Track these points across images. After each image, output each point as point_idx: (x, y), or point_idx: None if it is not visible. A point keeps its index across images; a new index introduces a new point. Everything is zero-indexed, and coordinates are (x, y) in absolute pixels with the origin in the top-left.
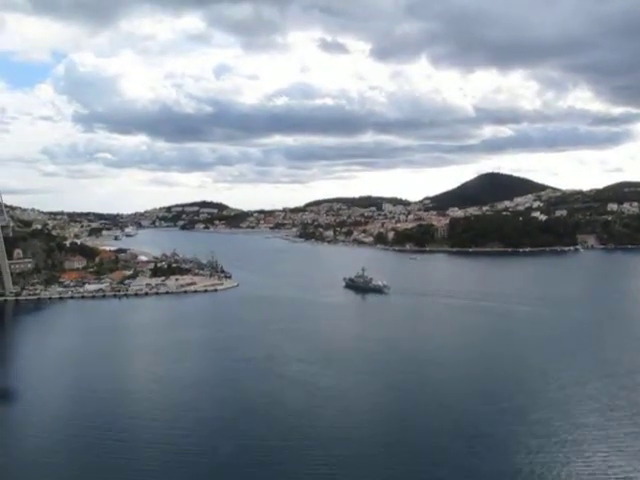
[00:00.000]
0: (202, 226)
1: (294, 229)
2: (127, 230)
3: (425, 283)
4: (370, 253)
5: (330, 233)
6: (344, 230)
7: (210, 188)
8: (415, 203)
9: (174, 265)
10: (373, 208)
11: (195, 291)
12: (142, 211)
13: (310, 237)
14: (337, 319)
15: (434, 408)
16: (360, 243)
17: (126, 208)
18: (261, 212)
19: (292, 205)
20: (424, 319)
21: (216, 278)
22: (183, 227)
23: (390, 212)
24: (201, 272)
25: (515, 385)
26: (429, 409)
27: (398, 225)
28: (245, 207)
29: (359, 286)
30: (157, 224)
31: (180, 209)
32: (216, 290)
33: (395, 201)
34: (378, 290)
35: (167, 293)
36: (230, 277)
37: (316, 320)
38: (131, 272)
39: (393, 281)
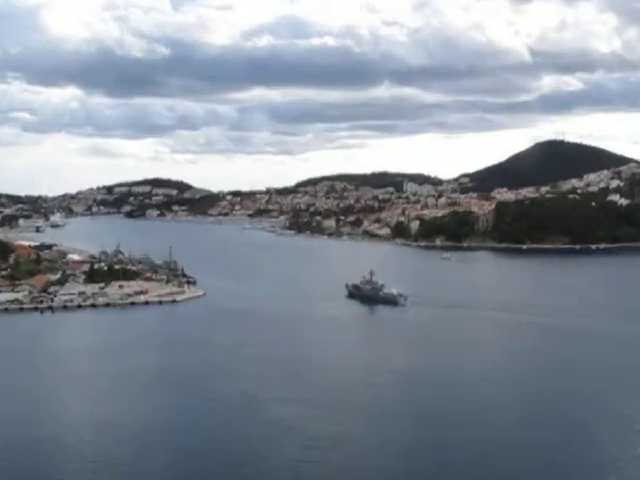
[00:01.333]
0: (156, 213)
1: (282, 217)
2: (53, 219)
3: (460, 291)
4: (386, 250)
5: (331, 223)
6: (351, 219)
7: (167, 161)
8: (448, 182)
9: (117, 267)
10: (391, 189)
11: (146, 302)
12: (73, 192)
13: (304, 228)
14: (336, 342)
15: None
16: (373, 237)
17: (51, 188)
18: (236, 194)
19: (279, 185)
20: (456, 342)
21: (175, 285)
22: (130, 214)
23: (414, 194)
24: (155, 277)
25: (598, 445)
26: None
27: (425, 212)
28: (215, 187)
29: (366, 295)
30: (94, 210)
31: (126, 190)
32: (175, 301)
33: (421, 179)
34: (391, 301)
35: (108, 305)
36: (194, 283)
37: (308, 343)
38: (58, 276)
39: (415, 289)
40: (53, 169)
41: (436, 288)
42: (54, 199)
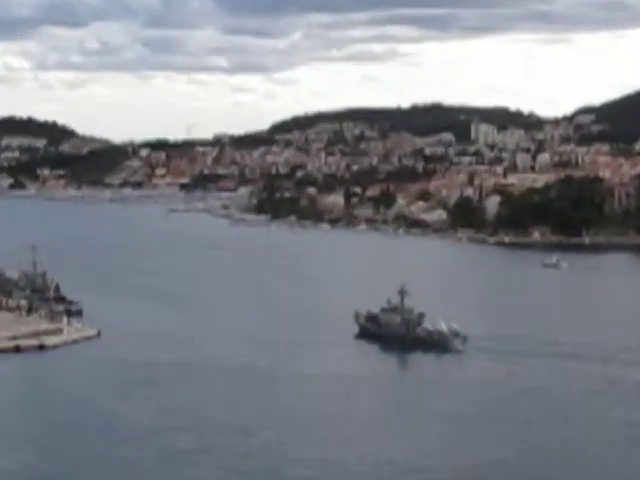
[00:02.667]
0: (7, 183)
1: (243, 190)
2: None
3: (578, 329)
4: (438, 252)
5: (337, 201)
6: (373, 193)
7: (26, 84)
8: (555, 123)
9: None
10: (447, 136)
11: None
12: None
13: (284, 211)
14: (343, 433)
15: None
16: (414, 226)
17: None
18: (159, 146)
19: (238, 129)
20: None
21: (44, 317)
22: None
23: (490, 146)
24: (4, 302)
25: None
26: None
27: (511, 181)
28: (118, 134)
29: (391, 332)
30: None
31: None
32: (42, 347)
33: (503, 117)
34: (437, 344)
35: None
36: (79, 313)
37: (292, 437)
38: None
39: (489, 322)
40: None
41: (529, 321)
42: None
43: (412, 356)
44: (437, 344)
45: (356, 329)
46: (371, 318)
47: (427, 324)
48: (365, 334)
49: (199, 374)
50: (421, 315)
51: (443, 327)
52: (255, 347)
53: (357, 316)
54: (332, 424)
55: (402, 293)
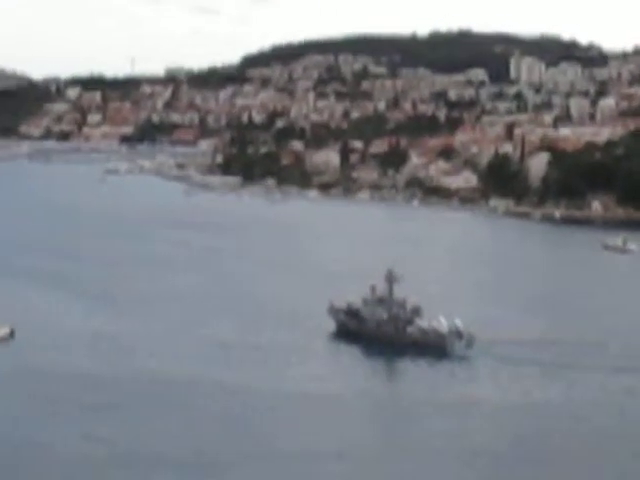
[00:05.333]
0: None
1: (204, 144)
2: None
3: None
4: (466, 229)
5: (330, 159)
6: (379, 149)
7: None
8: (622, 58)
9: None
10: (479, 73)
11: None
12: None
13: (258, 173)
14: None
15: None
16: (432, 195)
17: None
18: (93, 84)
19: (200, 62)
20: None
21: None
22: None
23: (536, 87)
24: None
25: None
26: None
27: (563, 133)
28: (36, 68)
29: (375, 331)
30: None
31: None
32: None
33: (552, 49)
34: (433, 345)
35: None
36: None
37: None
38: None
39: (513, 320)
40: None
41: (579, 321)
42: None
43: (401, 364)
44: (433, 347)
45: (333, 325)
46: (351, 312)
47: (422, 321)
48: (344, 332)
49: (141, 390)
50: (415, 309)
51: (442, 325)
52: (209, 354)
53: (333, 310)
54: (300, 463)
55: (390, 280)
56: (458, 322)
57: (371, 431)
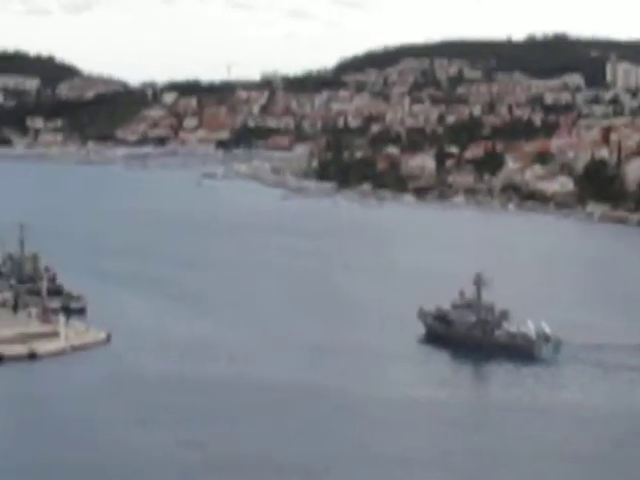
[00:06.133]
0: None
1: (300, 149)
2: None
3: None
4: (562, 234)
5: (426, 164)
6: (474, 154)
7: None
8: None
9: None
10: (573, 78)
11: None
12: None
13: (354, 178)
14: None
15: None
16: (528, 200)
17: None
18: (189, 90)
19: (296, 68)
20: None
21: (35, 315)
22: None
23: (633, 91)
24: None
25: None
26: None
27: None
28: (133, 74)
29: (463, 335)
30: None
31: None
32: (34, 357)
33: None
34: (520, 349)
35: None
36: (82, 310)
37: None
38: None
39: (602, 326)
40: None
41: None
42: None
43: (489, 368)
44: (520, 351)
45: (422, 329)
46: (440, 316)
47: (510, 325)
48: (432, 337)
49: (236, 395)
50: (504, 313)
51: (530, 329)
52: (302, 358)
53: (422, 314)
54: (391, 469)
55: (479, 284)
56: (545, 326)
57: (460, 436)
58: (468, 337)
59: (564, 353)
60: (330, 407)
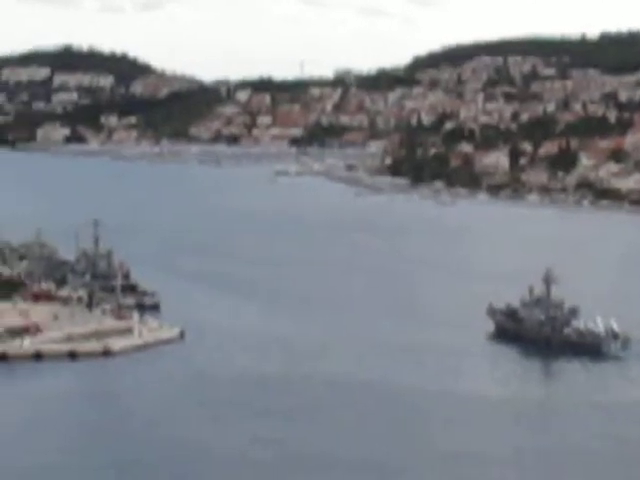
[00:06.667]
0: (62, 134)
1: (373, 145)
2: None
3: None
4: (637, 232)
5: (499, 161)
6: (548, 151)
7: (88, 4)
8: None
9: None
10: None
11: (36, 356)
12: None
13: (427, 174)
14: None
15: None
16: (602, 197)
17: None
18: (262, 87)
19: (369, 65)
20: None
21: (109, 312)
22: None
23: None
24: (57, 292)
25: None
26: None
27: None
28: (206, 71)
29: (532, 332)
30: None
31: None
32: (108, 353)
33: None
34: (590, 346)
35: None
36: (155, 308)
37: None
38: None
39: None
40: None
41: None
42: None
43: (558, 365)
44: (589, 348)
45: (491, 325)
46: (509, 313)
47: (578, 322)
48: (502, 334)
49: (308, 392)
50: (573, 310)
51: (598, 326)
52: (375, 355)
53: (492, 311)
54: (465, 466)
55: (548, 281)
56: (614, 323)
57: (530, 433)
58: (537, 334)
59: (633, 350)
60: (405, 405)
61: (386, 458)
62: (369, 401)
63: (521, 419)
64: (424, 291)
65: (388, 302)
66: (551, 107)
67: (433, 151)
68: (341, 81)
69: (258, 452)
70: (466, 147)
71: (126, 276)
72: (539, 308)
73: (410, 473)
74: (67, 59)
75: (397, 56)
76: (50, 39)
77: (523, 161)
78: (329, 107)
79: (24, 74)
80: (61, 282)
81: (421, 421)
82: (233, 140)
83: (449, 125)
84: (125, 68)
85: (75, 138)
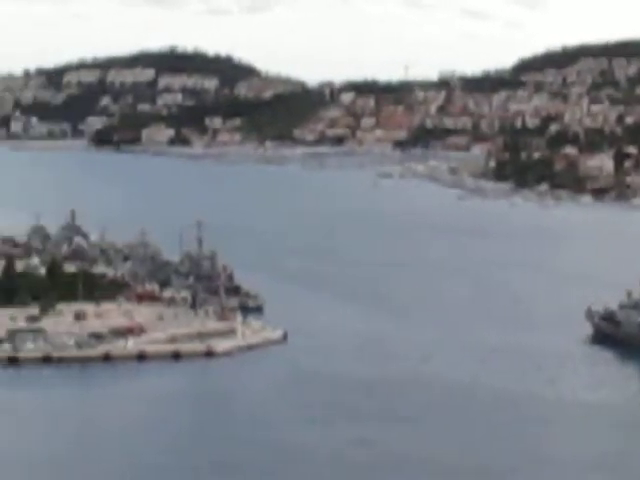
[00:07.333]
0: (166, 137)
1: (477, 149)
2: None
3: None
4: None
5: (604, 164)
6: None
7: (194, 6)
8: None
9: (71, 267)
10: None
11: (140, 357)
12: None
13: (531, 178)
14: None
15: None
16: None
17: None
18: (365, 90)
19: (472, 66)
20: None
21: (211, 313)
22: (102, 140)
23: None
24: (161, 294)
25: None
26: None
27: None
28: (310, 74)
29: (630, 335)
30: (15, 127)
31: (92, 78)
32: (211, 354)
33: None
34: None
35: (46, 361)
36: (259, 309)
37: None
38: None
39: None
40: None
41: None
42: None
43: None
44: None
45: (590, 330)
46: (607, 317)
47: None
48: (600, 337)
49: (409, 394)
50: None
51: None
52: (474, 357)
53: (590, 314)
54: (571, 473)
55: None
56: None
57: (631, 438)
58: (635, 338)
59: None
60: (505, 409)
61: (488, 462)
62: (470, 404)
63: (620, 424)
64: (525, 294)
65: (488, 305)
66: None
67: (537, 154)
68: (445, 83)
69: (358, 454)
70: (570, 150)
71: (230, 278)
72: (637, 311)
73: (512, 477)
74: (172, 61)
75: (502, 58)
76: (155, 41)
77: (628, 164)
78: (433, 109)
79: (129, 76)
80: (164, 283)
81: (521, 424)
82: (337, 142)
83: (553, 128)
84: (230, 70)
85: (179, 140)
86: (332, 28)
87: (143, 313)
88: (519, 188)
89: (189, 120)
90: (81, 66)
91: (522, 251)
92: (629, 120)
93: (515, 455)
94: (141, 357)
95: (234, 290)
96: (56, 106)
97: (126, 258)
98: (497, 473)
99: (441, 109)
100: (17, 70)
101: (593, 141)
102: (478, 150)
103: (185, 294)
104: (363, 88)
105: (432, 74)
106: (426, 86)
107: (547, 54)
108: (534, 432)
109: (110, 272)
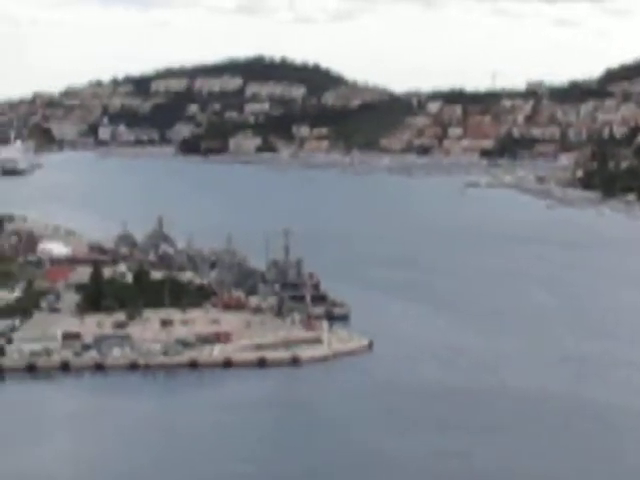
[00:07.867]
0: (253, 145)
1: (564, 159)
2: (5, 154)
3: None
4: None
5: None
6: None
7: (281, 15)
8: None
9: (158, 275)
10: None
11: (226, 364)
12: (61, 88)
13: (620, 187)
14: None
15: None
16: None
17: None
18: (451, 98)
19: (560, 75)
20: None
21: (297, 321)
22: (189, 148)
23: None
24: (247, 301)
25: None
26: None
27: None
28: (397, 82)
29: None
30: (103, 134)
31: (179, 87)
32: (296, 362)
33: None
34: None
35: (133, 367)
36: (345, 317)
37: None
38: (16, 294)
39: None
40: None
41: None
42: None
43: None
44: None
45: None
46: None
47: None
48: None
49: (494, 405)
50: None
51: None
52: (560, 368)
53: None
54: None
55: None
56: None
57: None
58: None
59: None
60: (589, 419)
61: (574, 473)
62: (554, 415)
63: None
64: (608, 304)
65: (572, 315)
66: None
67: (625, 164)
68: (533, 92)
69: (442, 465)
70: None
71: (316, 286)
72: None
73: None
74: (259, 69)
75: (590, 68)
76: (243, 49)
77: None
78: (520, 119)
79: (217, 84)
80: (251, 291)
81: (606, 435)
82: (424, 151)
83: None
84: (317, 78)
85: (266, 148)
86: (419, 36)
87: (229, 320)
88: (606, 198)
89: (276, 128)
90: (169, 74)
91: (610, 261)
92: None
93: (601, 466)
94: (227, 364)
95: (320, 298)
96: (144, 114)
97: (213, 265)
98: None
99: (528, 118)
100: (105, 78)
101: None
102: (565, 160)
103: (271, 302)
104: (450, 97)
105: (520, 83)
106: (513, 95)
107: (635, 63)
108: (619, 442)
109: (197, 279)
